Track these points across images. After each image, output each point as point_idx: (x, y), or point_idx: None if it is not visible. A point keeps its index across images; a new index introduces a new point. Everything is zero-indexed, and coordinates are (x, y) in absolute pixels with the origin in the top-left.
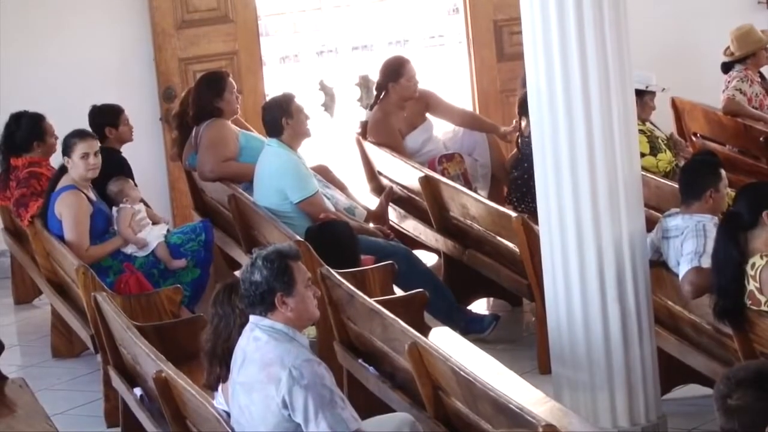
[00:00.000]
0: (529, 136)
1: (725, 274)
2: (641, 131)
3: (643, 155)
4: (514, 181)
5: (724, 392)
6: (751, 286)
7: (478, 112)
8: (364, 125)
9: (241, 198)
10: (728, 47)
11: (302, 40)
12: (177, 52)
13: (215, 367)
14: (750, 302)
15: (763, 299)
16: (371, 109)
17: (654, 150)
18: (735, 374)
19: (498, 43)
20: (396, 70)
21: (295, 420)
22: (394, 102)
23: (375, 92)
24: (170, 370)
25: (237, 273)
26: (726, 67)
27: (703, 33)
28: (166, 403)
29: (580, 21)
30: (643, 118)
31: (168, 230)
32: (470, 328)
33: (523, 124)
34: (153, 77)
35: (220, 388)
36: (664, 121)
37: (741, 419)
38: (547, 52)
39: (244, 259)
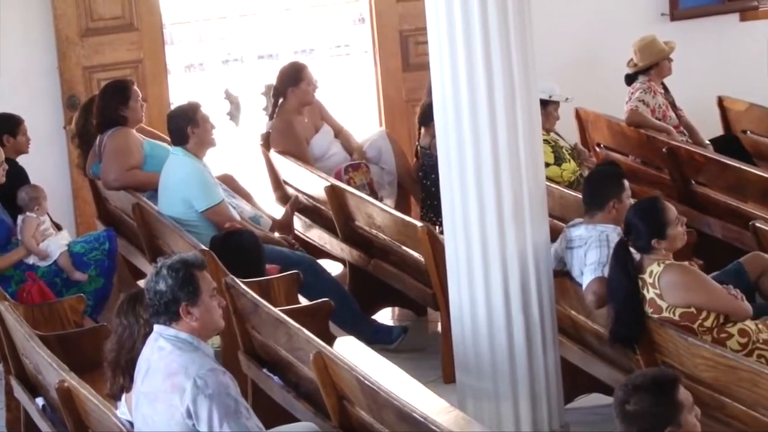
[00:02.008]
0: (428, 147)
1: (617, 299)
2: (546, 141)
3: (547, 165)
4: (425, 193)
5: (622, 398)
6: (651, 293)
7: (384, 121)
8: (266, 136)
9: (146, 207)
10: (631, 59)
11: (207, 48)
12: (81, 60)
13: (119, 377)
14: (651, 310)
15: (664, 305)
16: (271, 118)
17: (558, 160)
18: (632, 381)
19: (404, 52)
20: (295, 76)
21: (199, 430)
22: (294, 108)
23: (273, 99)
24: (73, 380)
25: (141, 282)
26: (629, 79)
27: (607, 44)
28: (68, 413)
29: (485, 31)
30: (547, 128)
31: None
32: (377, 338)
33: (422, 133)
34: (57, 85)
35: (123, 397)
36: (568, 132)
37: (639, 424)
38: (453, 62)
39: (148, 269)
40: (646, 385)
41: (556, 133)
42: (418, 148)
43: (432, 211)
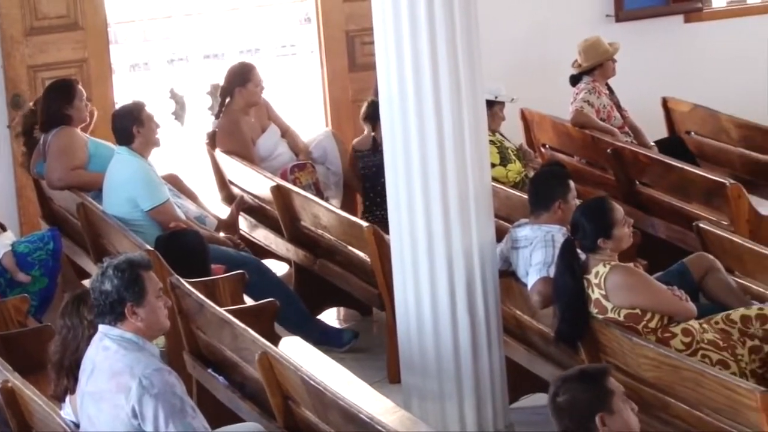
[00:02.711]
0: (361, 150)
1: (563, 299)
2: (491, 142)
3: (493, 166)
4: (366, 191)
5: (554, 392)
6: (596, 294)
7: (330, 121)
8: (212, 135)
9: (90, 206)
10: (576, 59)
11: (152, 48)
12: (26, 59)
13: (63, 377)
14: (596, 311)
15: (609, 306)
16: (217, 117)
17: (504, 161)
18: (562, 375)
19: (350, 53)
20: (243, 76)
21: (145, 430)
22: (240, 108)
23: (220, 98)
24: (17, 381)
25: (85, 282)
26: (574, 80)
27: (552, 45)
28: (12, 414)
29: (432, 31)
30: (492, 129)
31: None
32: (325, 339)
33: (365, 132)
34: (1, 84)
35: (68, 399)
36: (513, 132)
37: (570, 414)
38: (399, 62)
39: (92, 269)
40: (574, 375)
41: (501, 135)
42: (353, 151)
43: (372, 211)
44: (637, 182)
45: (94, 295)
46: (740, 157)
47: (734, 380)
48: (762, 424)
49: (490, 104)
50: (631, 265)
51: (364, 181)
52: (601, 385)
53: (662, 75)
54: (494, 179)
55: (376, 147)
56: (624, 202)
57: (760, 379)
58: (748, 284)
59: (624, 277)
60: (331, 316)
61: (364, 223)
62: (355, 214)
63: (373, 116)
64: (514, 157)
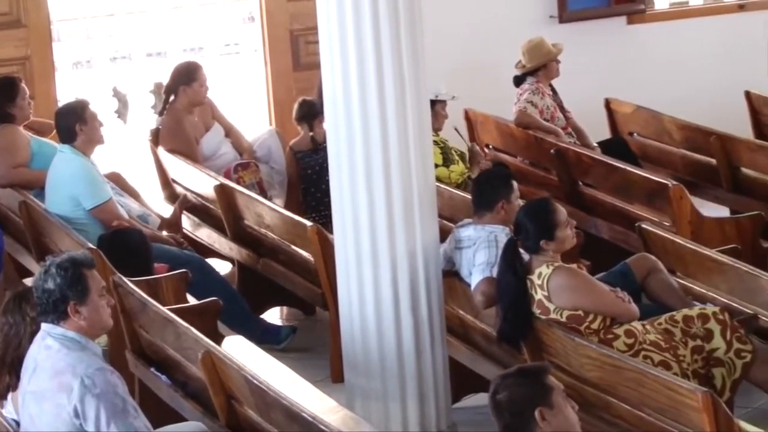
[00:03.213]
0: (302, 150)
1: (506, 299)
2: (435, 142)
3: (436, 166)
4: (306, 191)
5: (493, 390)
6: (539, 295)
7: (274, 120)
8: (156, 132)
9: (33, 205)
10: (520, 60)
11: (95, 46)
12: None
13: (4, 375)
14: (539, 311)
15: (552, 307)
16: (161, 114)
17: (447, 161)
18: (502, 373)
19: (294, 52)
20: (189, 75)
21: (86, 429)
22: (184, 107)
23: (164, 96)
24: None
25: (28, 281)
26: (518, 80)
27: (496, 46)
28: None
29: (376, 31)
30: (436, 128)
31: None
32: (266, 338)
33: (301, 133)
34: None
35: (9, 396)
36: (456, 133)
37: (510, 410)
38: (344, 62)
39: (34, 267)
40: (513, 372)
41: (443, 141)
42: (293, 152)
43: (318, 210)
44: (580, 183)
45: (36, 294)
46: (682, 159)
47: (676, 380)
48: (703, 424)
49: (432, 103)
50: (574, 266)
51: (305, 181)
52: (540, 381)
53: (605, 76)
54: (437, 179)
55: (315, 147)
56: (567, 203)
57: (702, 380)
58: (690, 285)
59: (567, 279)
60: (274, 316)
61: (308, 223)
62: (298, 213)
63: (308, 116)
64: (457, 158)
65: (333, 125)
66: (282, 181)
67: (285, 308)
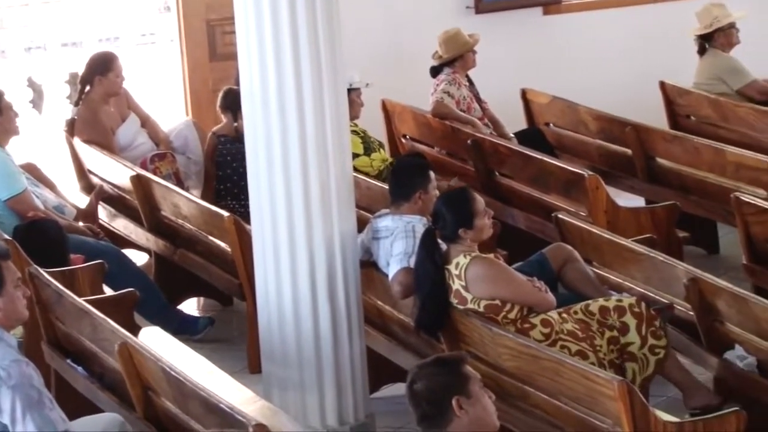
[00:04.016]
0: (225, 135)
1: (423, 288)
2: (355, 132)
3: (357, 155)
4: (223, 180)
5: (411, 380)
6: (457, 285)
7: (190, 111)
8: (71, 123)
9: None
10: (436, 51)
11: (9, 35)
12: None
13: None
14: (456, 301)
15: (469, 297)
16: (77, 105)
17: (368, 150)
18: (419, 363)
19: (210, 42)
20: (105, 65)
21: (1, 421)
22: (100, 97)
23: (79, 87)
24: None
25: None
26: (434, 71)
27: (412, 36)
28: None
29: (293, 22)
30: (352, 117)
31: None
32: (183, 328)
33: (224, 121)
34: None
35: None
36: (374, 123)
37: (427, 399)
38: (261, 52)
39: None
40: (430, 362)
41: (363, 130)
42: (215, 136)
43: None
44: (497, 173)
45: None
46: (598, 149)
47: (593, 370)
48: (619, 412)
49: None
50: (491, 256)
51: (227, 167)
52: (457, 371)
53: (521, 67)
54: (359, 169)
55: (239, 136)
56: (483, 193)
57: (618, 369)
58: (606, 274)
59: (484, 269)
60: (191, 306)
61: (225, 213)
62: (216, 203)
63: (234, 105)
64: (377, 146)
65: (250, 115)
66: (199, 171)
67: (202, 299)
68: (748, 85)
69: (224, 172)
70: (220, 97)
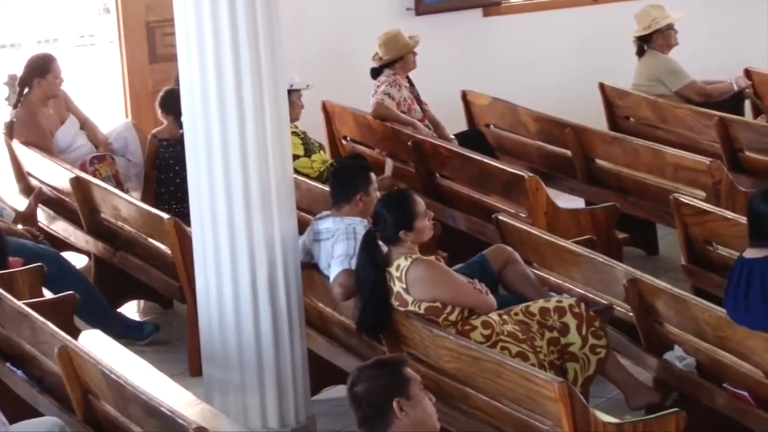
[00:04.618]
0: (167, 138)
1: (365, 290)
2: (295, 133)
3: (298, 157)
4: (165, 184)
5: (352, 382)
6: (398, 287)
7: (130, 112)
8: (10, 125)
9: None
10: (377, 52)
11: None
12: None
13: None
14: (397, 303)
15: (410, 299)
16: (15, 107)
17: (308, 151)
18: (360, 365)
19: (150, 43)
20: (43, 66)
21: None
22: (39, 99)
23: (18, 88)
24: None
25: None
26: (375, 72)
27: (353, 38)
28: None
29: (233, 23)
30: (293, 118)
31: None
32: (126, 333)
33: (165, 123)
34: None
35: None
36: (314, 125)
37: (368, 401)
38: (201, 53)
39: None
40: (371, 364)
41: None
42: (157, 139)
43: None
44: (438, 175)
45: None
46: (538, 150)
47: (533, 371)
48: (560, 413)
49: (287, 94)
50: (432, 258)
51: (169, 170)
52: (397, 373)
53: (462, 68)
54: (299, 170)
55: (181, 139)
56: (424, 195)
57: (558, 371)
58: (546, 276)
59: (425, 271)
60: (131, 309)
61: (165, 215)
62: (156, 205)
63: (176, 107)
64: (317, 148)
65: (190, 117)
66: (138, 173)
67: (142, 302)
68: (687, 87)
69: (166, 176)
70: (160, 99)
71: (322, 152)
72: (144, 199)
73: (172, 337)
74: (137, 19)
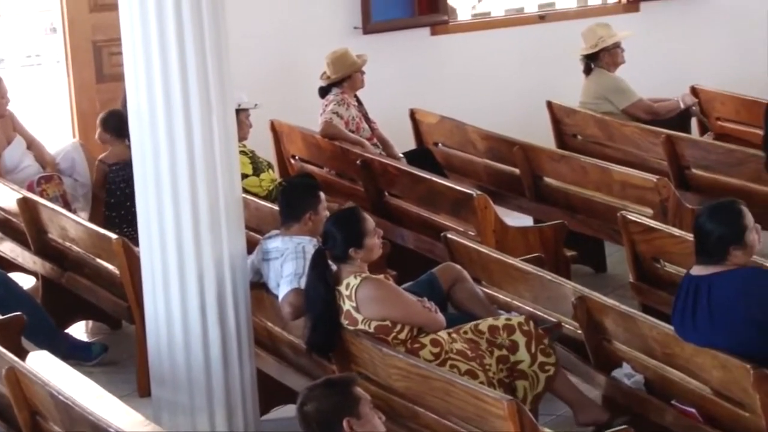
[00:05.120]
0: (116, 162)
1: (314, 308)
2: (243, 152)
3: (246, 176)
4: (115, 207)
5: (301, 402)
6: (347, 306)
7: (77, 132)
8: None
9: None
10: (324, 71)
11: None
12: None
13: None
14: (347, 322)
15: (359, 317)
16: None
17: (257, 170)
18: (309, 385)
19: (97, 63)
20: None
21: None
22: None
23: None
24: None
25: None
26: (323, 91)
27: (301, 57)
28: None
29: (181, 42)
30: (241, 138)
31: None
32: (74, 353)
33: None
34: None
35: None
36: (262, 144)
37: (317, 421)
38: (148, 73)
39: None
40: (321, 383)
41: (251, 151)
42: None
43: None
44: (386, 193)
45: None
46: (486, 168)
47: (482, 389)
48: (509, 431)
49: (235, 113)
50: (382, 277)
51: (113, 195)
52: (347, 392)
53: (410, 87)
54: (248, 189)
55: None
56: (373, 213)
57: (507, 389)
58: (495, 293)
59: (374, 290)
60: (80, 330)
61: (113, 236)
62: (104, 226)
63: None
64: (266, 167)
65: (138, 137)
66: (86, 193)
67: (91, 322)
68: (634, 105)
69: (117, 199)
70: (104, 122)
71: (270, 171)
72: (92, 220)
73: (121, 358)
74: (84, 38)
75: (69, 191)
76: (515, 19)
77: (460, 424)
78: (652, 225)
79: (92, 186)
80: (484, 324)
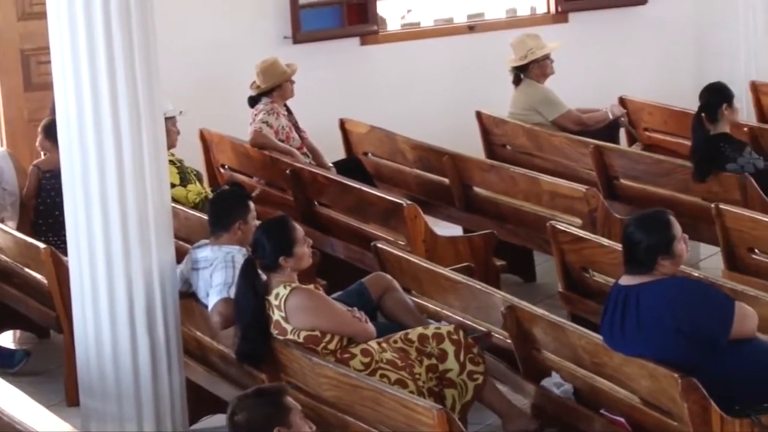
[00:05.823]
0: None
1: (244, 318)
2: (171, 162)
3: (173, 186)
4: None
5: (231, 411)
6: (277, 315)
7: (5, 141)
8: None
9: None
10: (254, 81)
11: None
12: None
13: None
14: (276, 332)
15: (289, 327)
16: None
17: (184, 181)
18: (240, 394)
19: (25, 72)
20: None
21: None
22: None
23: None
24: None
25: None
26: (253, 101)
27: (230, 66)
28: None
29: (109, 51)
30: (169, 146)
31: None
32: None
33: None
34: None
35: None
36: (192, 153)
37: (247, 430)
38: (77, 81)
39: None
40: (251, 393)
41: (179, 160)
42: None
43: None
44: (316, 203)
45: None
46: (416, 178)
47: (412, 399)
48: None
49: None
50: (311, 287)
51: (42, 202)
52: (277, 401)
53: (340, 96)
54: (174, 199)
55: None
56: (303, 223)
57: (437, 397)
58: (425, 303)
59: (303, 300)
60: (7, 339)
61: (42, 245)
62: (34, 235)
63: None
64: (193, 177)
65: (66, 146)
66: (14, 202)
67: (18, 331)
68: (563, 116)
69: (46, 207)
70: (47, 129)
71: (198, 183)
72: (20, 229)
73: (49, 367)
74: (12, 46)
75: None
76: (445, 29)
77: None
78: (581, 235)
79: (24, 192)
80: (413, 333)
